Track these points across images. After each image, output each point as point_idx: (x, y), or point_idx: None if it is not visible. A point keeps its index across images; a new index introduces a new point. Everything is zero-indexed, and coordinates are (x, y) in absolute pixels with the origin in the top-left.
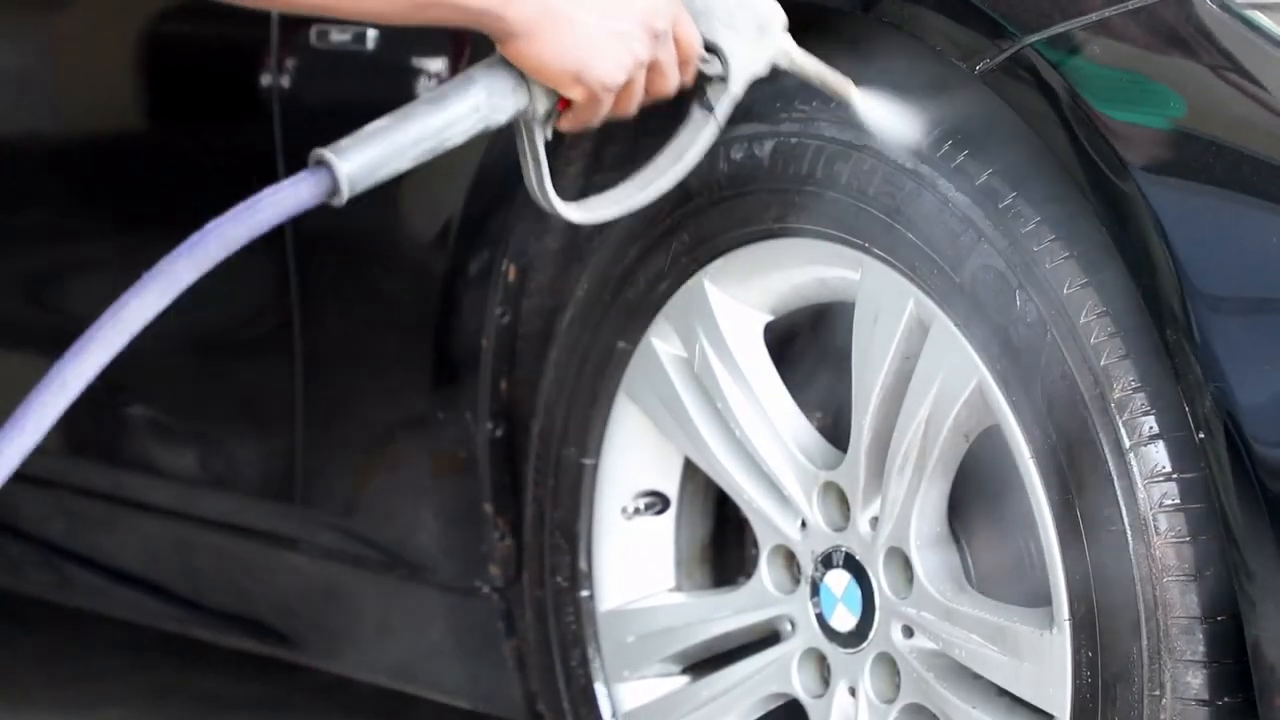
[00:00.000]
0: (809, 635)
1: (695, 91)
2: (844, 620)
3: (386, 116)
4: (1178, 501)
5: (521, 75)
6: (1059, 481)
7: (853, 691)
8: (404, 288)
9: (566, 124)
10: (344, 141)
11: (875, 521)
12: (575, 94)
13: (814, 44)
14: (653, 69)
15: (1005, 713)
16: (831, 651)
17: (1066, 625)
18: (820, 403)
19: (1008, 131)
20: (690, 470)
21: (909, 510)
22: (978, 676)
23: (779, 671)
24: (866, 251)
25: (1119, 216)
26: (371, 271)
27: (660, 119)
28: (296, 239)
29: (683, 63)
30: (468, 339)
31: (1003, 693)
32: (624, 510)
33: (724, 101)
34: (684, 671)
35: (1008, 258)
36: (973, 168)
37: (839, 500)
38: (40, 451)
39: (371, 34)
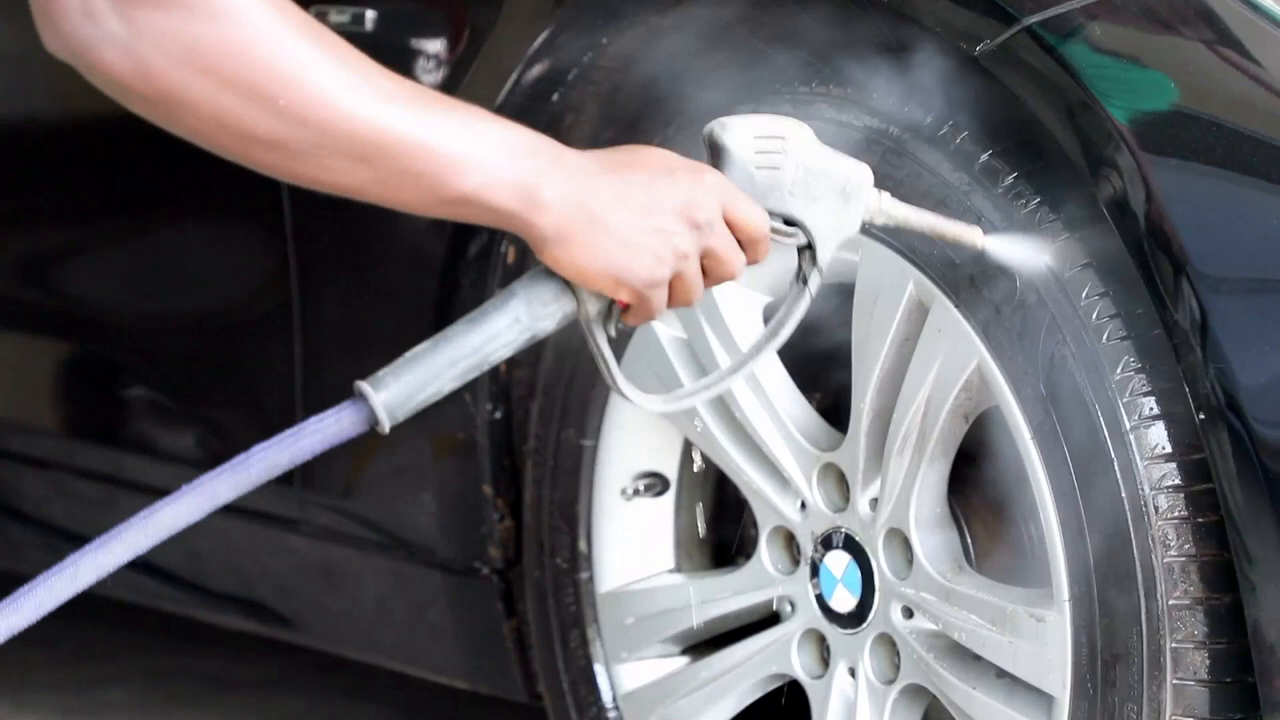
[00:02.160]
0: (808, 616)
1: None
2: (844, 601)
3: (426, 341)
4: (1178, 482)
5: (565, 281)
6: (1058, 462)
7: (852, 672)
8: (403, 269)
9: (630, 320)
10: (382, 372)
11: (875, 503)
12: (621, 295)
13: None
14: (708, 257)
15: (1005, 693)
16: (831, 632)
17: (1066, 606)
18: (820, 384)
19: (1008, 113)
20: (689, 451)
21: (908, 491)
22: (977, 657)
23: (778, 652)
24: (866, 233)
25: (1120, 196)
26: (371, 253)
27: None
28: (296, 220)
29: (748, 244)
30: None
31: (1002, 673)
32: (623, 492)
33: (814, 273)
34: (684, 652)
35: (1008, 237)
36: (973, 149)
37: (838, 481)
38: (40, 433)
39: (370, 15)
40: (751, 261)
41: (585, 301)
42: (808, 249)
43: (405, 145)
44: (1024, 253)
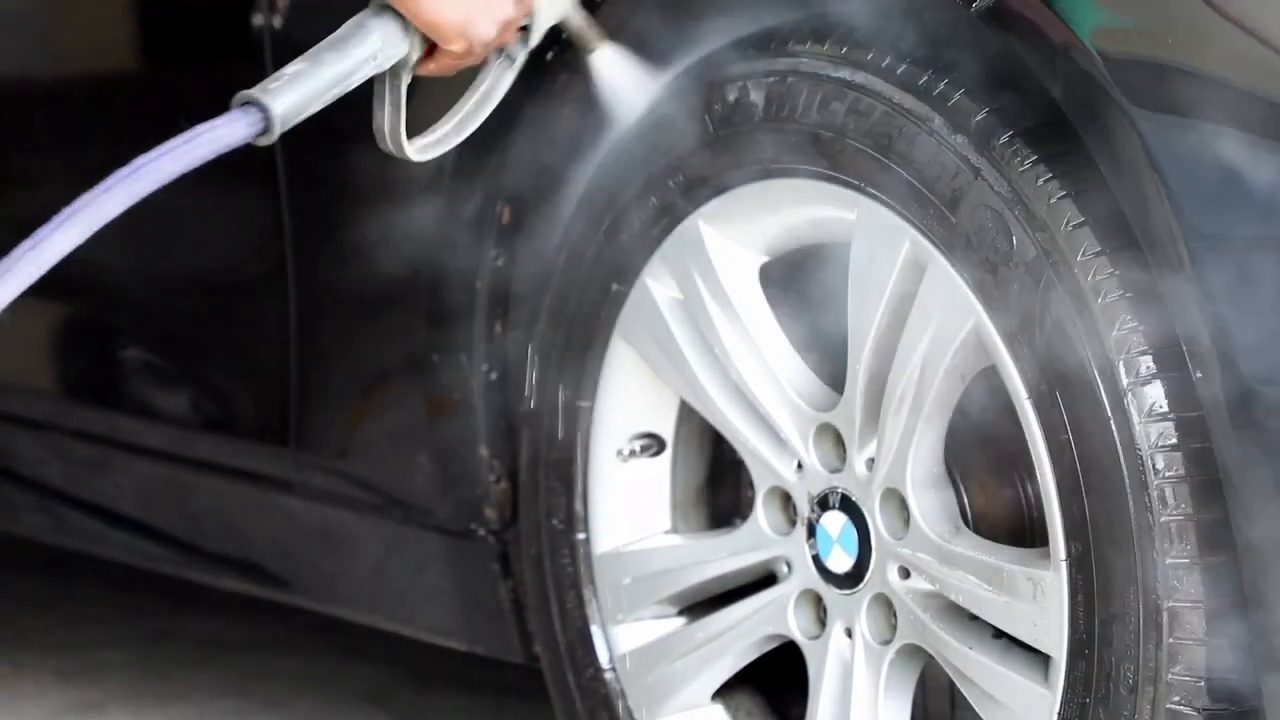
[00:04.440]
0: (805, 577)
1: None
2: (840, 562)
3: (300, 60)
4: (1175, 441)
5: (406, 24)
6: (1056, 422)
7: (849, 633)
8: (398, 229)
9: (426, 70)
10: (270, 84)
11: (871, 463)
12: (456, 46)
13: None
14: (506, 24)
15: (1001, 654)
16: (828, 593)
17: (1063, 566)
18: (816, 344)
19: (1005, 69)
20: (686, 412)
21: (905, 451)
22: (974, 618)
23: (775, 613)
24: (862, 192)
25: (1114, 154)
26: (365, 213)
27: None
28: (289, 179)
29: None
30: (462, 281)
31: (999, 634)
32: (619, 452)
33: (523, 51)
34: (680, 613)
35: (1004, 197)
36: (969, 106)
37: (835, 442)
38: (36, 395)
39: None
40: None
41: (414, 47)
42: (523, 29)
43: None
44: (623, 79)
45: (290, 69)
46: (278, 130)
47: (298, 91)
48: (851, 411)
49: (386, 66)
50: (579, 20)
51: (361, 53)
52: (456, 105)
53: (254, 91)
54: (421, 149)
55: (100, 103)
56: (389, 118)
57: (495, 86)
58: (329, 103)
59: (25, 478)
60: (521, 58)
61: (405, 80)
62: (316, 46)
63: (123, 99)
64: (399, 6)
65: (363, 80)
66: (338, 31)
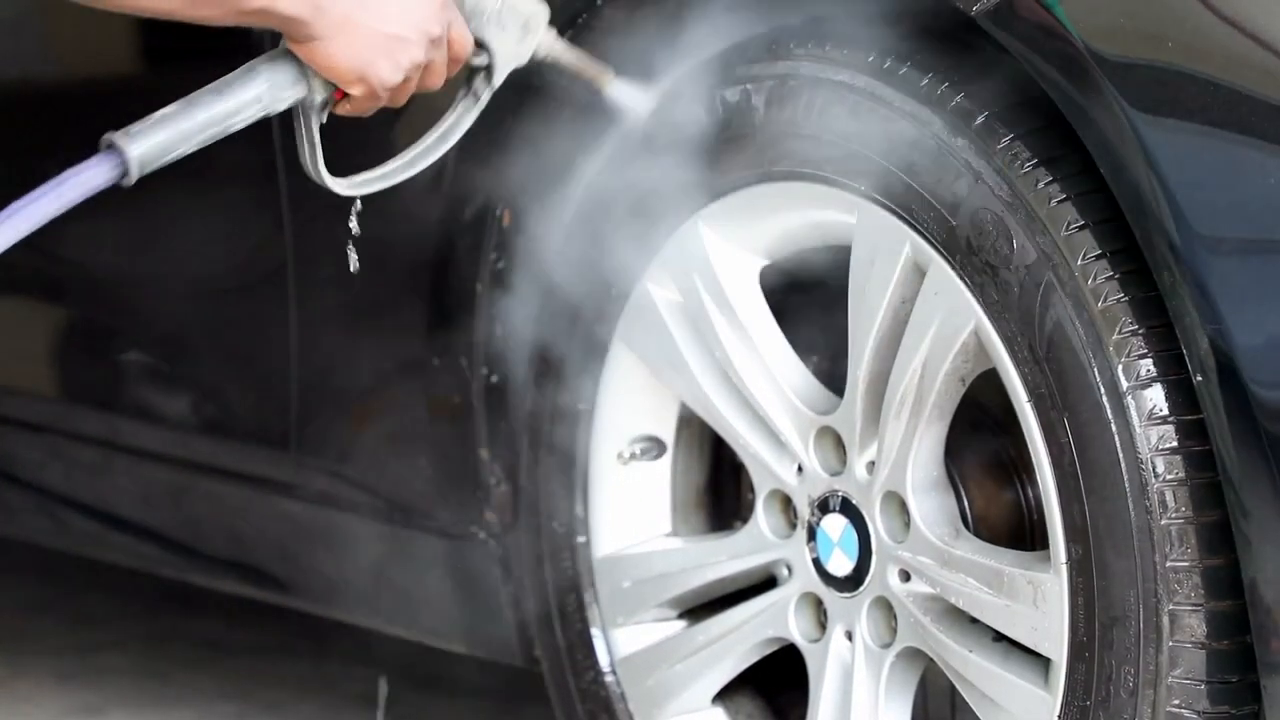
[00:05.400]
0: (805, 580)
1: (464, 78)
2: (840, 565)
3: (175, 104)
4: (1175, 444)
5: (303, 69)
6: (1056, 424)
7: (849, 636)
8: (398, 232)
9: (343, 110)
10: (134, 126)
11: (872, 466)
12: (356, 91)
13: None
14: (426, 68)
15: (1002, 657)
16: (828, 596)
17: (1064, 569)
18: (816, 347)
19: (1005, 72)
20: (686, 415)
21: (905, 454)
22: (974, 620)
23: (775, 616)
24: (863, 195)
25: (1115, 157)
26: (365, 216)
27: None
28: (290, 185)
29: (453, 61)
30: (462, 284)
31: (999, 637)
32: (620, 456)
33: (487, 90)
34: (680, 616)
35: (1005, 200)
36: (970, 109)
37: (835, 445)
38: (37, 398)
39: None
40: (450, 77)
41: (315, 90)
42: (486, 70)
43: None
44: (643, 103)
45: (161, 111)
46: (135, 174)
47: (161, 134)
48: (852, 414)
49: (278, 108)
50: (570, 58)
51: (244, 96)
52: (418, 141)
53: (116, 135)
54: (357, 183)
55: (100, 106)
56: (306, 154)
57: (457, 124)
58: (208, 143)
59: (26, 480)
60: (486, 96)
61: (315, 120)
62: (201, 89)
63: (123, 102)
64: (296, 51)
65: (250, 122)
66: (228, 75)
